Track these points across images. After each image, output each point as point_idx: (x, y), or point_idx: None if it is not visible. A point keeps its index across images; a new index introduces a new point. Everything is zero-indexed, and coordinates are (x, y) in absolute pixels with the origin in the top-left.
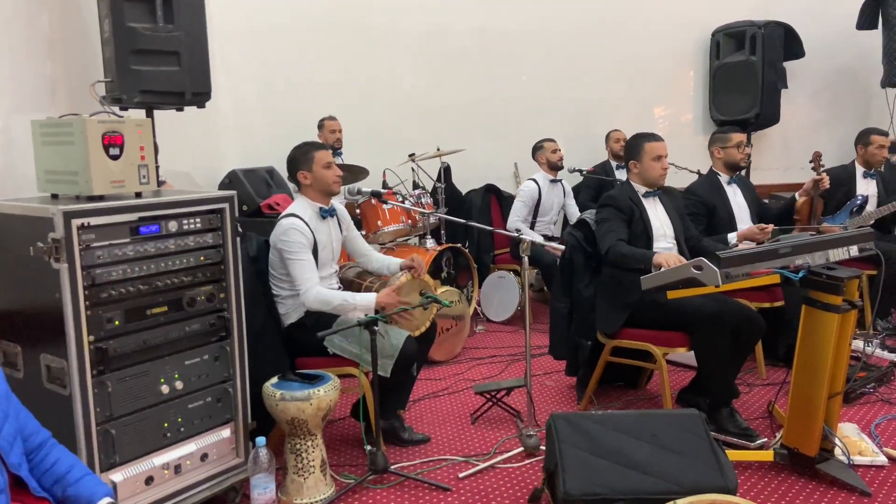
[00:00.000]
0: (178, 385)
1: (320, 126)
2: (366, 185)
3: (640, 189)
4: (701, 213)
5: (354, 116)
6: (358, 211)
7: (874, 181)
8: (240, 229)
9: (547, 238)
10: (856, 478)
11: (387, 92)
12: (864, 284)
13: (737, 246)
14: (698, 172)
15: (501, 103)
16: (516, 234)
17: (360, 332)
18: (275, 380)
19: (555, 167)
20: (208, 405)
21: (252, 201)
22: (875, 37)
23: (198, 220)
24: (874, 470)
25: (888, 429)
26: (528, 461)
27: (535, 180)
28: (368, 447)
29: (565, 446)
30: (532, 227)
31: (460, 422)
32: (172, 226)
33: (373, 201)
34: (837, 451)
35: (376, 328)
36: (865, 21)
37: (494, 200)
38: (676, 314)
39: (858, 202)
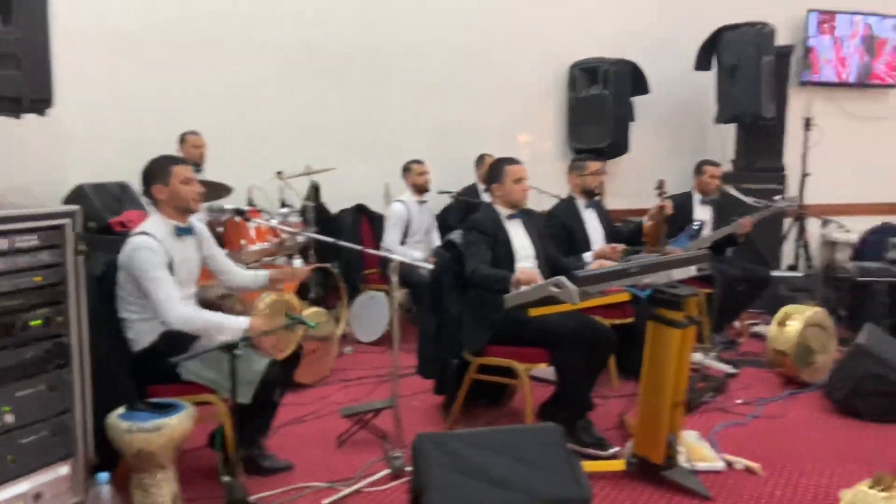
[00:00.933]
0: (9, 418)
1: (182, 140)
2: (230, 203)
3: (503, 212)
4: (561, 236)
5: (218, 132)
6: (221, 229)
7: (709, 208)
8: (83, 247)
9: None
10: (697, 483)
11: (253, 107)
12: (702, 302)
13: (591, 264)
14: (558, 197)
15: (373, 123)
16: (385, 254)
17: (218, 357)
18: (121, 410)
19: (420, 189)
20: (44, 440)
21: (100, 218)
22: (710, 77)
23: (33, 237)
24: (713, 475)
25: (725, 435)
26: (394, 483)
27: (402, 202)
28: (225, 478)
29: (431, 466)
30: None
31: (326, 446)
32: (2, 244)
33: (236, 219)
34: (681, 458)
35: (237, 352)
36: (701, 63)
37: (365, 220)
38: (538, 331)
39: (696, 227)
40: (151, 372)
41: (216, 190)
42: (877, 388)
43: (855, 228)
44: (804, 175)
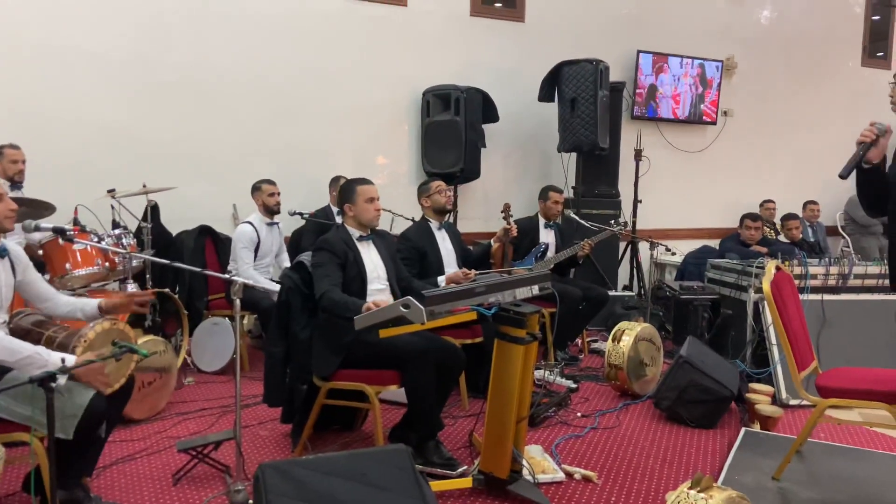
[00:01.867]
0: None
1: None
2: (51, 222)
3: (355, 233)
4: (413, 258)
5: (40, 146)
6: (41, 252)
7: (553, 231)
8: None
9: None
10: (540, 495)
11: (80, 122)
12: (547, 320)
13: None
14: (412, 220)
15: (217, 142)
16: (227, 276)
17: (32, 390)
18: None
19: (270, 211)
20: None
21: None
22: (552, 109)
23: None
24: (555, 486)
25: (566, 447)
26: None
27: (250, 223)
28: None
29: (273, 496)
30: None
31: (160, 485)
32: None
33: (59, 241)
34: (525, 472)
35: (54, 384)
36: (545, 94)
37: (210, 243)
38: (388, 352)
39: (542, 249)
40: None
41: (37, 209)
42: (697, 396)
43: (680, 250)
44: (636, 201)
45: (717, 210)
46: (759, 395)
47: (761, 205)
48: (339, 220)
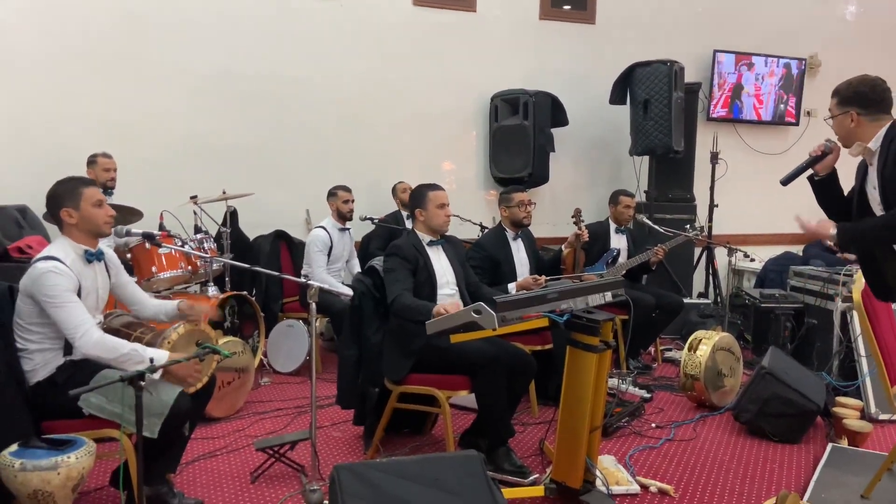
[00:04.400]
0: None
1: (91, 163)
2: (139, 228)
3: (425, 238)
4: (486, 267)
5: (128, 154)
6: (129, 256)
7: (624, 236)
8: None
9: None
10: None
11: (165, 131)
12: (619, 327)
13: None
14: (480, 225)
15: (292, 149)
16: (303, 280)
17: (122, 389)
18: (14, 447)
19: (343, 217)
20: None
21: None
22: (624, 112)
23: None
24: (629, 498)
25: (640, 459)
26: None
27: (323, 227)
28: None
29: (348, 497)
30: None
31: (239, 482)
32: None
33: (147, 245)
34: (598, 482)
35: (143, 384)
36: (616, 97)
37: (284, 247)
38: (459, 358)
39: (613, 254)
40: (49, 406)
41: (126, 214)
42: (781, 409)
43: (759, 257)
44: (712, 206)
45: (801, 215)
46: (847, 409)
47: None
48: (409, 224)
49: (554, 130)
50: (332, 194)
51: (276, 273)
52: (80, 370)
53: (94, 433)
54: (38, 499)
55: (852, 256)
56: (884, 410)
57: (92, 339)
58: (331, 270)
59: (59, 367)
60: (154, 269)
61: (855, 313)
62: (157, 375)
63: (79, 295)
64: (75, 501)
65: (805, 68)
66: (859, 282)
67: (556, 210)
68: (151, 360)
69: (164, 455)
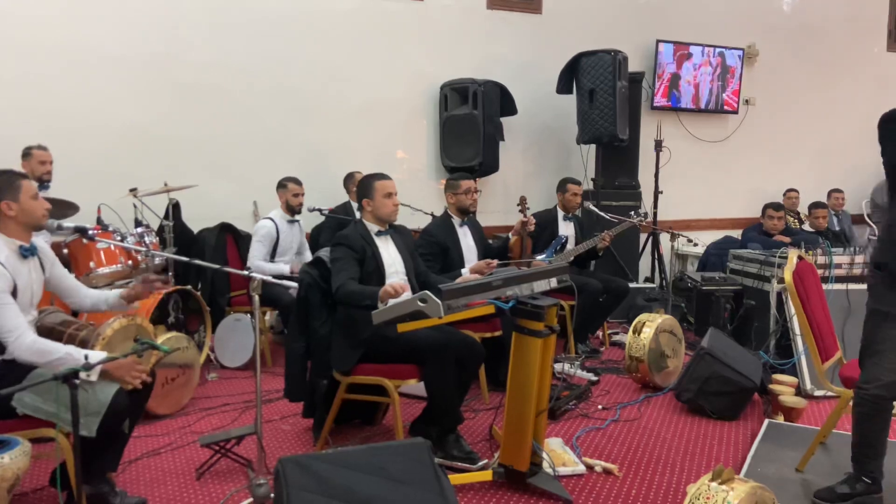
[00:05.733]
0: None
1: (26, 155)
2: (74, 222)
3: (373, 228)
4: (436, 253)
5: (64, 146)
6: (66, 251)
7: (572, 223)
8: None
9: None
10: (560, 487)
11: (103, 121)
12: (567, 312)
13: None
14: (432, 214)
15: (238, 140)
16: (246, 273)
17: (57, 388)
18: None
19: (291, 210)
20: None
21: None
22: (571, 100)
23: None
24: (575, 478)
25: (586, 440)
26: None
27: (271, 219)
28: None
29: (293, 490)
30: None
31: (184, 479)
32: None
33: (84, 240)
34: (545, 464)
35: (77, 381)
36: (563, 86)
37: (231, 240)
38: (407, 347)
39: (561, 241)
40: None
41: (61, 208)
42: (720, 387)
43: (702, 241)
44: (657, 192)
45: (740, 200)
46: (783, 387)
47: (784, 194)
48: (358, 215)
49: (503, 119)
50: (281, 186)
51: (220, 266)
52: (13, 369)
53: (30, 433)
54: None
55: (788, 239)
56: (818, 387)
57: (24, 344)
58: (279, 262)
59: (32, 363)
60: (92, 264)
61: (788, 294)
62: (94, 377)
63: (14, 293)
64: (11, 502)
65: (743, 58)
66: (791, 263)
67: (506, 198)
68: (87, 358)
69: (103, 454)
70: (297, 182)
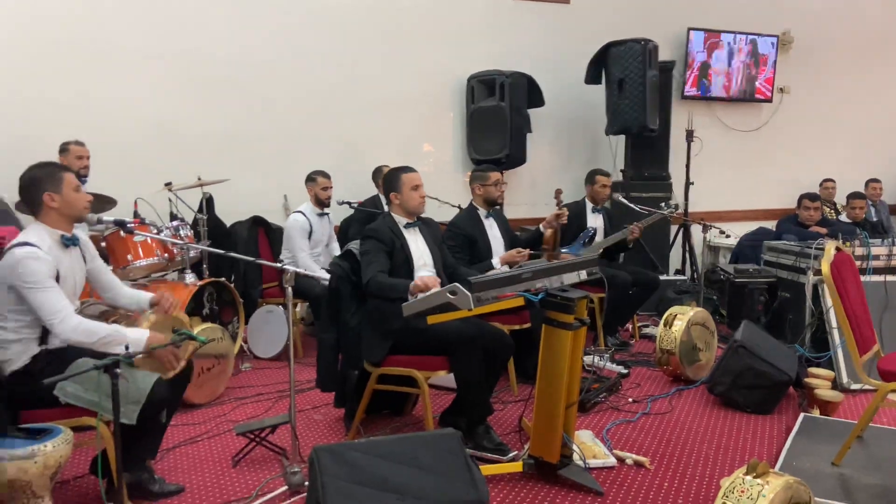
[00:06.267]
0: None
1: (64, 151)
2: (112, 216)
3: (401, 220)
4: (463, 245)
5: (100, 142)
6: (104, 244)
7: (601, 216)
8: None
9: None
10: (591, 479)
11: (137, 117)
12: (596, 305)
13: (498, 269)
14: (459, 207)
15: (267, 134)
16: (280, 265)
17: (98, 377)
18: None
19: (321, 203)
20: None
21: None
22: (599, 91)
23: None
24: (606, 471)
25: (617, 433)
26: (292, 499)
27: (302, 212)
28: None
29: (327, 478)
30: None
31: (220, 467)
32: None
33: (121, 233)
34: (575, 457)
35: (118, 371)
36: (591, 77)
37: (262, 233)
38: (436, 339)
39: (589, 234)
40: (25, 396)
41: (99, 203)
42: (754, 381)
43: (734, 233)
44: (688, 183)
45: (774, 191)
46: (819, 380)
47: (820, 184)
48: (386, 208)
49: (530, 111)
50: (310, 179)
51: (253, 259)
52: (56, 359)
53: (72, 422)
54: (16, 488)
55: (824, 230)
56: (854, 380)
57: (70, 325)
58: (311, 255)
59: (35, 357)
60: (129, 257)
61: (825, 286)
62: (140, 349)
63: (57, 280)
64: (54, 490)
65: (778, 45)
66: (828, 254)
67: (533, 191)
68: (127, 347)
69: (142, 441)
70: (326, 175)
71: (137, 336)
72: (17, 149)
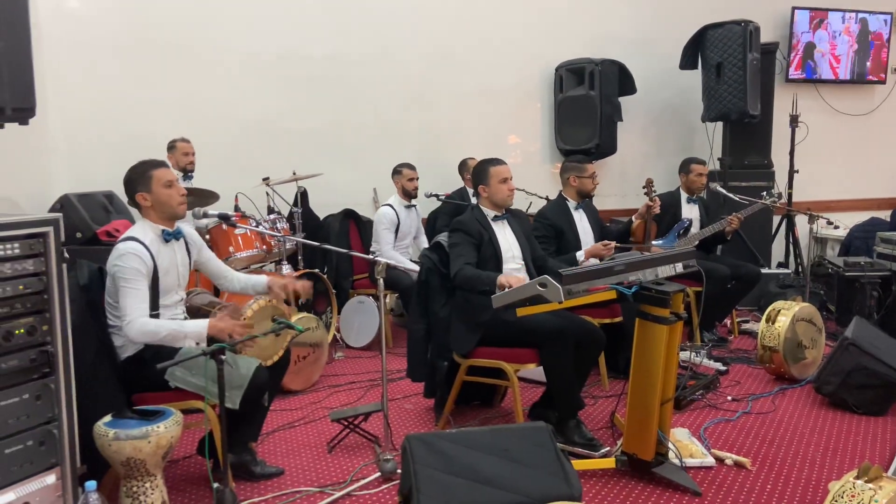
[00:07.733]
0: None
1: (171, 148)
2: (215, 210)
3: (490, 213)
4: (550, 236)
5: (203, 139)
6: (208, 237)
7: (696, 206)
8: (66, 255)
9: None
10: (688, 479)
11: (237, 114)
12: (692, 299)
13: (584, 262)
14: (546, 198)
15: (358, 129)
16: (372, 257)
17: (205, 363)
18: (108, 418)
19: (408, 195)
20: (29, 449)
21: (87, 228)
22: (695, 76)
23: (16, 245)
24: (704, 471)
25: (715, 432)
26: (385, 486)
27: (390, 205)
28: (215, 484)
29: (420, 467)
30: None
31: (316, 451)
32: None
33: (223, 226)
34: (671, 455)
35: (223, 357)
36: (687, 62)
37: (353, 225)
38: (525, 331)
39: (684, 225)
40: (138, 379)
41: (204, 197)
42: (865, 381)
43: (844, 224)
44: (792, 171)
45: (887, 178)
46: None
47: None
48: (474, 201)
49: (621, 99)
50: (396, 172)
51: (346, 251)
52: (165, 346)
53: (181, 404)
54: (131, 465)
55: None
56: None
57: (134, 328)
58: (398, 247)
59: (146, 343)
60: (231, 249)
61: None
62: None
63: (156, 274)
64: (165, 468)
65: (892, 23)
66: None
67: (624, 181)
68: (218, 336)
69: (245, 425)
70: (412, 167)
71: (197, 328)
72: (130, 146)
